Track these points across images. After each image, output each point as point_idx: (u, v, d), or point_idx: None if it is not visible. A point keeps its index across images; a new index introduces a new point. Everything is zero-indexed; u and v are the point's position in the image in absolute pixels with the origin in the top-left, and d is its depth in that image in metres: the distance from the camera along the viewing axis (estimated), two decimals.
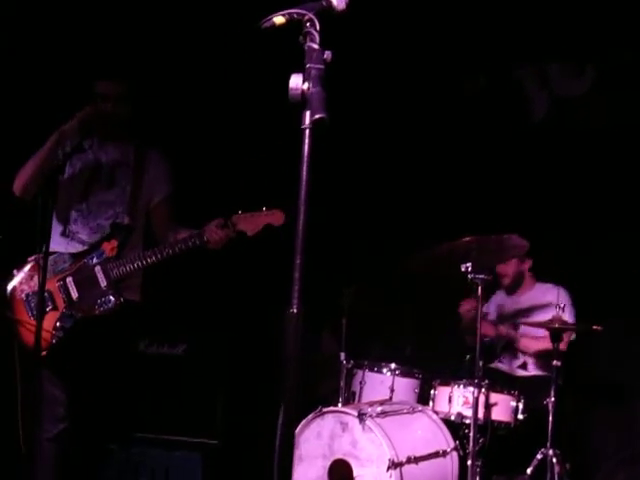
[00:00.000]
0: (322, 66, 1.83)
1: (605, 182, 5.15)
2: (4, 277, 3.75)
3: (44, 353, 3.58)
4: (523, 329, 4.94)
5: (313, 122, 1.75)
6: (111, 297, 3.68)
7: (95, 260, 3.72)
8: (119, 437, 4.76)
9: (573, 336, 4.83)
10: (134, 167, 3.88)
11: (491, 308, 5.14)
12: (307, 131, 1.82)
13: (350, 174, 5.14)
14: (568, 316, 4.63)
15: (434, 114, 5.42)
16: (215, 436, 4.91)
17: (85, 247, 3.77)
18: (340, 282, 4.84)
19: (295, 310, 1.87)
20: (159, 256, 3.67)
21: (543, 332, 4.66)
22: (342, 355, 4.70)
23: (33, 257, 3.70)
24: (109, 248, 3.72)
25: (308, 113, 1.82)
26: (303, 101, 1.84)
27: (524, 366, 4.98)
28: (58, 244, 3.72)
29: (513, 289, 5.10)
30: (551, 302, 4.73)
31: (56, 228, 3.71)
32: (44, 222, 3.41)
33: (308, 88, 1.82)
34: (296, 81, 1.85)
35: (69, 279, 3.70)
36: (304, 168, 1.82)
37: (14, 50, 4.91)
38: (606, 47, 5.07)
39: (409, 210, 5.49)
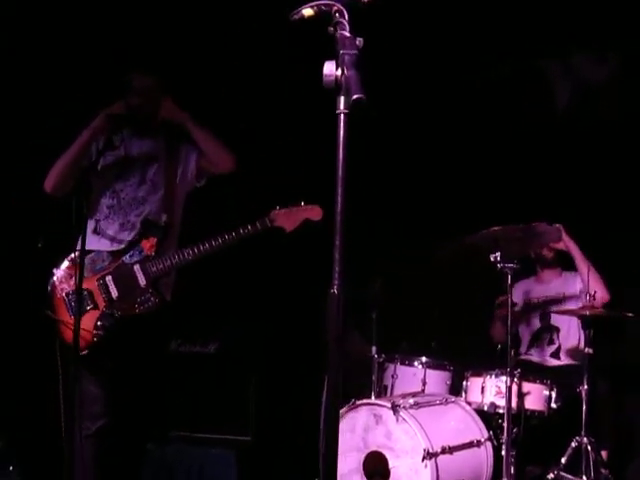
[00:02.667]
0: (355, 52, 1.87)
1: (630, 170, 5.14)
2: (44, 277, 3.77)
3: (85, 352, 3.61)
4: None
5: (353, 102, 1.78)
6: (150, 296, 3.70)
7: (134, 258, 3.72)
8: (154, 436, 4.81)
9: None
10: (165, 162, 3.87)
11: (518, 296, 5.10)
12: (342, 116, 1.86)
13: (375, 165, 5.13)
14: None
15: (460, 103, 5.42)
16: (248, 433, 4.95)
17: (114, 244, 3.77)
18: (366, 275, 4.84)
19: (336, 291, 1.90)
20: (196, 252, 3.67)
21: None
22: (373, 349, 4.72)
23: (69, 256, 3.72)
24: (148, 246, 3.72)
25: (342, 98, 1.86)
26: (337, 87, 1.88)
27: (557, 353, 4.97)
28: (90, 242, 3.69)
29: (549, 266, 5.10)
30: (581, 290, 4.76)
31: (88, 225, 3.70)
32: (79, 222, 3.43)
33: (342, 74, 1.86)
34: (330, 67, 1.88)
35: (108, 278, 3.71)
36: (340, 152, 1.86)
37: (44, 45, 4.95)
38: (629, 34, 5.05)
39: (436, 201, 5.50)
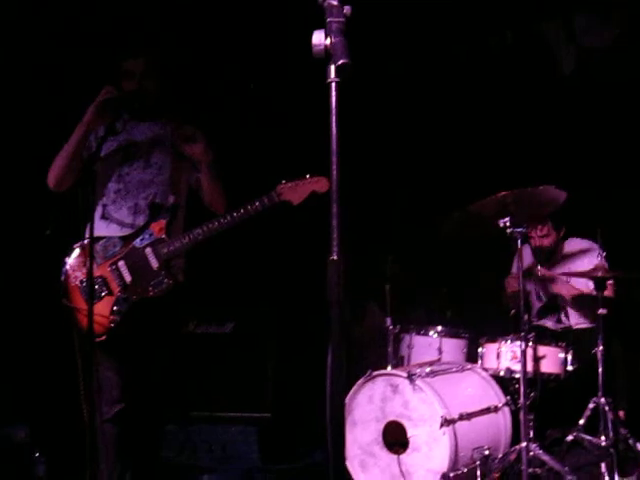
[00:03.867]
0: (343, 19, 1.87)
1: (635, 133, 5.10)
2: (57, 266, 3.81)
3: (103, 338, 3.64)
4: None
5: (337, 68, 1.78)
6: (164, 278, 3.72)
7: (145, 242, 3.72)
8: (175, 417, 4.87)
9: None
10: (171, 145, 3.86)
11: (527, 260, 5.08)
12: (333, 84, 1.87)
13: (381, 137, 5.14)
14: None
15: (464, 72, 5.39)
16: (267, 409, 5.01)
17: (124, 228, 3.78)
18: (380, 250, 4.86)
19: (335, 257, 1.91)
20: (206, 230, 3.65)
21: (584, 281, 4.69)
22: (388, 320, 4.74)
23: (78, 243, 3.73)
24: (157, 229, 3.73)
25: (333, 67, 1.86)
26: (326, 56, 1.88)
27: (564, 319, 4.98)
28: (99, 228, 3.71)
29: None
30: (589, 249, 4.76)
31: (96, 211, 3.73)
32: (86, 210, 3.44)
33: (331, 42, 1.86)
34: (319, 37, 1.88)
35: (121, 262, 3.72)
36: (333, 121, 1.86)
37: (34, 41, 4.97)
38: None
39: (443, 170, 5.49)
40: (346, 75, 1.78)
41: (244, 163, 5.17)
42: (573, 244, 5.04)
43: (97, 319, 3.58)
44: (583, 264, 4.80)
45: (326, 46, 1.87)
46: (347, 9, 1.91)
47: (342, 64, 1.77)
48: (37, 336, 5.05)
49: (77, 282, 3.73)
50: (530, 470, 3.97)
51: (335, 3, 1.90)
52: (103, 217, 3.79)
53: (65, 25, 4.98)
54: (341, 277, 1.88)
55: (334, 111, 1.86)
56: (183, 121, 3.94)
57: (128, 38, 4.62)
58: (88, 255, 3.42)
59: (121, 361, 3.76)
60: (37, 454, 4.54)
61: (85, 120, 3.67)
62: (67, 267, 3.76)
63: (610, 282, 4.61)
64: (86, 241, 3.63)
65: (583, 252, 4.92)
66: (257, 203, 3.66)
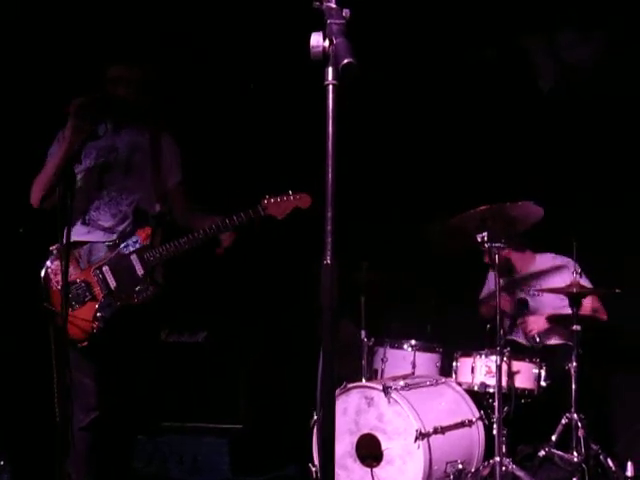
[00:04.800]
0: (343, 21, 1.87)
1: (615, 150, 5.16)
2: (37, 268, 3.75)
3: (85, 344, 3.60)
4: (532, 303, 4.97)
5: (343, 67, 1.77)
6: (149, 285, 3.70)
7: (130, 248, 3.71)
8: (146, 427, 4.81)
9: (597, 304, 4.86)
10: (150, 152, 3.85)
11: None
12: (330, 87, 1.86)
13: (360, 146, 5.13)
14: (584, 282, 4.64)
15: (446, 85, 5.42)
16: (239, 421, 4.96)
17: (107, 234, 3.75)
18: (353, 257, 4.83)
19: (329, 261, 1.90)
20: (192, 239, 3.66)
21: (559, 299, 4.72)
22: (363, 333, 4.73)
23: (55, 246, 3.66)
24: (143, 236, 3.72)
25: (330, 69, 1.86)
26: (324, 58, 1.88)
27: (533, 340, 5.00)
28: (79, 233, 3.69)
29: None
30: (563, 265, 4.81)
31: (76, 217, 3.69)
32: (64, 211, 3.39)
33: (330, 44, 1.85)
34: (317, 39, 1.88)
35: (105, 268, 3.68)
36: (330, 124, 1.86)
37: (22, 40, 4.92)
38: (614, 12, 5.06)
39: (422, 181, 5.50)
40: (351, 75, 1.77)
41: (228, 169, 5.15)
42: (546, 260, 5.06)
43: (80, 324, 3.56)
44: (555, 281, 4.83)
45: (324, 48, 1.87)
46: (346, 12, 1.91)
47: (347, 64, 1.76)
48: (8, 339, 4.95)
49: (58, 286, 3.67)
50: None
51: (334, 6, 1.90)
52: (85, 223, 3.75)
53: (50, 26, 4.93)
54: (335, 282, 1.87)
55: (331, 114, 1.86)
56: (160, 128, 3.94)
57: (116, 43, 4.59)
58: (66, 259, 3.37)
59: (100, 368, 3.71)
60: (1, 462, 4.45)
61: (68, 139, 3.60)
62: (48, 270, 3.71)
63: (592, 303, 4.66)
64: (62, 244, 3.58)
65: (557, 268, 4.96)
66: (243, 216, 3.69)
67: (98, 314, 3.65)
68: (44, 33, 4.95)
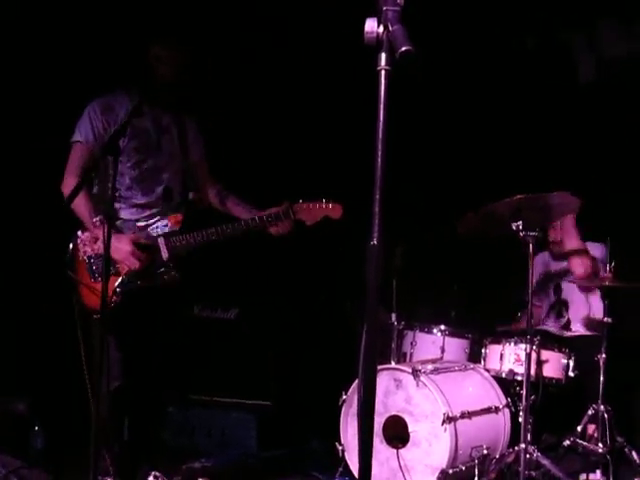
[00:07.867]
0: (398, 8, 1.89)
1: None
2: (67, 237, 3.81)
3: (97, 316, 3.65)
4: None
5: (400, 55, 1.80)
6: (171, 270, 3.74)
7: (159, 231, 3.77)
8: (176, 400, 4.89)
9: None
10: (178, 133, 3.91)
11: (537, 267, 5.10)
12: (383, 72, 1.89)
13: (398, 134, 5.16)
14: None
15: (484, 76, 5.41)
16: (268, 397, 5.03)
17: (138, 214, 3.81)
18: (388, 241, 4.85)
19: (375, 242, 1.94)
20: (220, 232, 3.70)
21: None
22: (393, 316, 4.76)
23: (97, 218, 3.70)
24: (174, 221, 3.77)
25: (384, 55, 1.88)
26: (378, 44, 1.90)
27: (567, 326, 5.01)
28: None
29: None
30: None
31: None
32: (106, 183, 3.43)
33: (384, 30, 1.88)
34: (371, 25, 1.90)
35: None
36: (381, 109, 1.89)
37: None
38: None
39: (459, 170, 5.51)
40: (410, 63, 1.79)
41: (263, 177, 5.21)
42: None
43: (98, 296, 3.60)
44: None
45: (378, 34, 1.89)
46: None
47: (406, 51, 1.79)
48: (39, 308, 5.04)
49: (85, 257, 3.72)
50: (526, 472, 4.00)
51: None
52: (118, 201, 3.78)
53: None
54: (380, 262, 1.91)
55: (382, 99, 1.89)
56: (188, 114, 3.98)
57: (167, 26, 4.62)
58: (103, 231, 3.39)
59: (124, 340, 3.76)
60: (36, 427, 4.55)
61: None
62: (78, 240, 3.76)
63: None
64: (100, 217, 3.62)
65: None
66: (273, 216, 3.72)
67: (118, 289, 3.70)
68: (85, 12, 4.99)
